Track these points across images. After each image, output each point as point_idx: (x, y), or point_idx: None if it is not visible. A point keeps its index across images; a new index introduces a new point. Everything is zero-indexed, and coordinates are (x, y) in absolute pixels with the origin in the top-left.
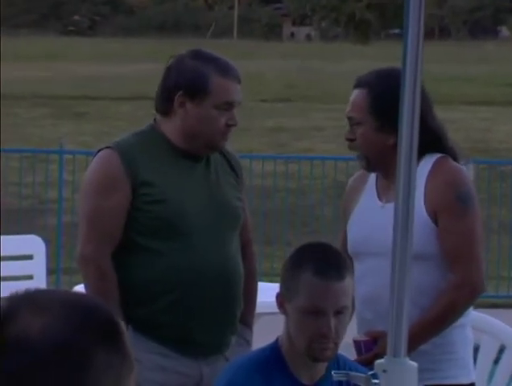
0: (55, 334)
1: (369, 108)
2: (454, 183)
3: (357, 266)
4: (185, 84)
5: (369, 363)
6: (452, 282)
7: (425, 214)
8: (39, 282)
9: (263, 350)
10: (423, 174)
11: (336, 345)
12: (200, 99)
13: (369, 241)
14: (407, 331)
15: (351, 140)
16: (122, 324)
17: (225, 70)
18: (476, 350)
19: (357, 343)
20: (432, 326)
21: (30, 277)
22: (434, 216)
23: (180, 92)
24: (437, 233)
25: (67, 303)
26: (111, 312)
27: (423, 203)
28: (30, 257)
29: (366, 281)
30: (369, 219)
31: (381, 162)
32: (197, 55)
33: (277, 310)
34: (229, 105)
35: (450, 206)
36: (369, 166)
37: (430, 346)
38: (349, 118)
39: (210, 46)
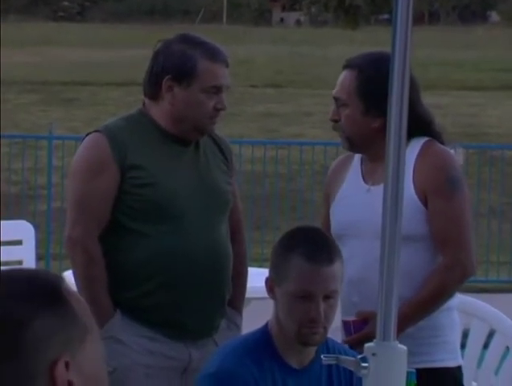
0: None
1: (357, 90)
2: (444, 166)
3: (342, 249)
4: (173, 68)
5: (358, 344)
6: (442, 264)
7: (414, 196)
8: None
9: (253, 334)
10: (412, 156)
11: (326, 329)
12: (188, 83)
13: (355, 224)
14: (397, 315)
15: (335, 121)
16: (69, 291)
17: (212, 54)
18: (465, 334)
19: (346, 324)
20: (422, 307)
21: (19, 263)
22: (423, 198)
23: (168, 77)
24: (427, 215)
25: (6, 278)
26: (53, 278)
27: (412, 185)
28: (19, 243)
29: (352, 264)
30: (355, 201)
31: (364, 144)
32: (185, 39)
33: (266, 295)
34: (217, 89)
35: (440, 188)
36: (352, 148)
37: (416, 329)
38: (336, 99)
39: (199, 31)
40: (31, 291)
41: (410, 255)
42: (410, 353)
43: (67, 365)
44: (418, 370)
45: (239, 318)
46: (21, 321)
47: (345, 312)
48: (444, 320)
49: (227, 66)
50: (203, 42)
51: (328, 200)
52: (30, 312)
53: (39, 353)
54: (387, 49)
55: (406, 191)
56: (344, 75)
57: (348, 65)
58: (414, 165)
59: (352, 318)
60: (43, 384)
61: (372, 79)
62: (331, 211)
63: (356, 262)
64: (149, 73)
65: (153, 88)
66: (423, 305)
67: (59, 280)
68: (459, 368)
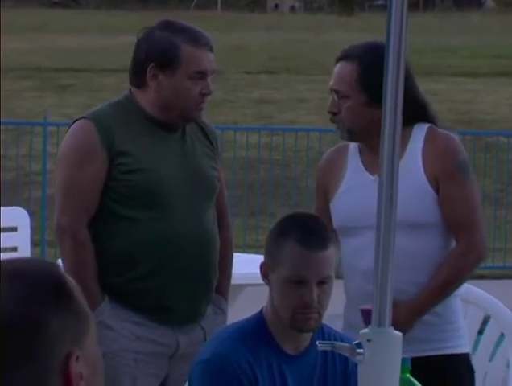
0: (5, 310)
1: (358, 81)
2: (453, 151)
3: (353, 240)
4: (156, 56)
5: None
6: (457, 248)
7: (426, 182)
8: (24, 254)
9: (248, 321)
10: (419, 142)
11: (320, 315)
12: (172, 70)
13: (366, 215)
14: (391, 301)
15: (334, 113)
16: (70, 281)
17: (195, 39)
18: None
19: (364, 312)
20: (439, 292)
21: (14, 249)
22: (435, 185)
23: (152, 65)
24: (438, 202)
25: (14, 275)
26: (58, 273)
27: (422, 171)
28: (14, 229)
29: (366, 255)
30: (363, 193)
31: (365, 135)
32: (167, 26)
33: (261, 282)
34: (201, 74)
35: (452, 174)
36: (352, 139)
37: (433, 316)
38: (335, 91)
39: (194, 18)
40: (37, 291)
41: (423, 242)
42: (424, 340)
43: (77, 358)
44: (430, 357)
45: (224, 303)
46: (33, 324)
47: (361, 302)
48: (456, 306)
49: (211, 50)
50: (185, 27)
51: (322, 193)
52: (41, 314)
53: (53, 353)
54: (382, 35)
55: (416, 177)
56: (342, 67)
57: (345, 56)
58: (423, 150)
59: (370, 307)
60: (57, 381)
61: (373, 69)
62: (333, 204)
63: (370, 252)
64: (133, 62)
65: (138, 77)
66: (440, 290)
67: (60, 272)
68: (469, 355)
